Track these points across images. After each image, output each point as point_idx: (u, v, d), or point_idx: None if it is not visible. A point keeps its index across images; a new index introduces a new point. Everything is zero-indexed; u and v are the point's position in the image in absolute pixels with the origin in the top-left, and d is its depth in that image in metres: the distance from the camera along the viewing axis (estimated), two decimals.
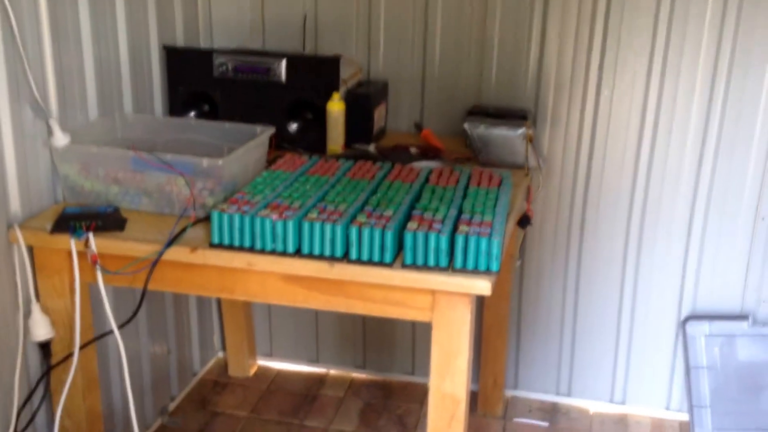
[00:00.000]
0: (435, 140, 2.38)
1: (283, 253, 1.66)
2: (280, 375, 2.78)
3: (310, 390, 2.70)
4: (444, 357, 1.66)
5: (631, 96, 2.36)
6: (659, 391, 2.56)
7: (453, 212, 1.71)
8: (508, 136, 2.16)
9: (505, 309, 2.52)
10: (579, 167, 2.46)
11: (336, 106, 2.20)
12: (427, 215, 1.69)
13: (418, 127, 2.51)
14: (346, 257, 1.65)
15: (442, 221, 1.66)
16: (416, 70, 2.51)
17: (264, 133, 1.98)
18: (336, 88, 2.23)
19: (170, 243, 1.69)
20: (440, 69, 2.49)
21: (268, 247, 1.67)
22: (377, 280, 1.63)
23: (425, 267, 1.61)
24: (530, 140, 2.16)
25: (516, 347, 2.65)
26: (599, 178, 2.45)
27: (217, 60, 2.29)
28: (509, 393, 2.66)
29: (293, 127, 2.31)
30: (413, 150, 2.27)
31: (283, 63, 2.26)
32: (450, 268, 1.61)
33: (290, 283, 1.70)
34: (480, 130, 2.17)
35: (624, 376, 2.58)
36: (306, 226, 1.64)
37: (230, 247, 1.69)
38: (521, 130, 2.15)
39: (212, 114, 2.34)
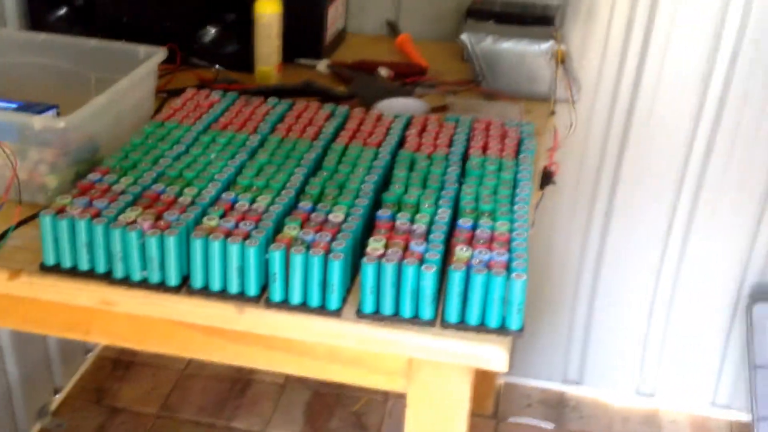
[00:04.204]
0: (415, 52, 1.67)
1: (162, 287, 1.00)
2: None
3: (239, 375, 2.08)
4: None
5: None
6: (702, 382, 1.98)
7: (444, 213, 1.04)
8: (527, 54, 1.45)
9: None
10: (619, 91, 1.76)
11: (268, 7, 1.47)
12: (402, 220, 1.02)
13: (393, 28, 1.79)
14: (263, 297, 0.99)
15: (426, 234, 1.00)
16: None
17: (150, 60, 1.26)
18: None
19: None
20: None
21: (136, 276, 1.00)
22: (314, 336, 0.99)
23: (396, 318, 0.97)
24: (562, 60, 1.46)
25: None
26: (648, 108, 1.76)
27: None
28: (502, 380, 2.07)
29: (208, 34, 1.58)
30: (383, 72, 1.56)
31: None
32: (438, 322, 0.97)
33: (180, 324, 1.05)
34: (486, 44, 1.46)
35: (656, 362, 1.99)
36: (198, 245, 0.97)
37: (74, 273, 1.02)
38: (547, 45, 1.45)
39: (86, 13, 1.60)
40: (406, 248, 0.97)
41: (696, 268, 1.88)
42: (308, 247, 0.96)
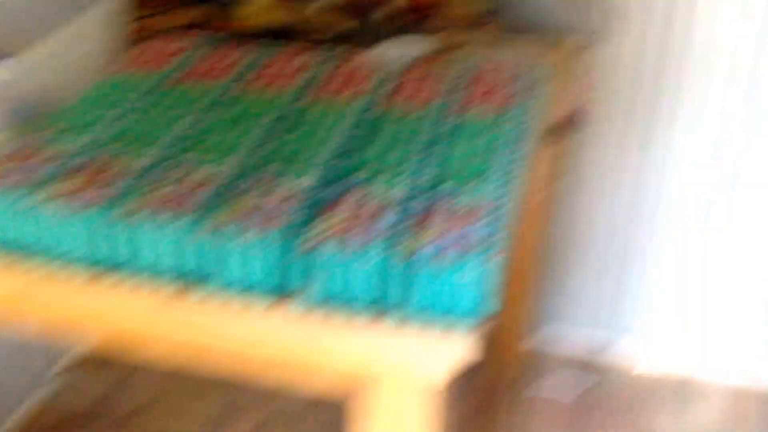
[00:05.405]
0: None
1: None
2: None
3: None
4: None
5: None
6: (745, 348, 1.77)
7: (424, 179, 0.87)
8: None
9: (535, 242, 1.60)
10: (653, 17, 1.52)
11: None
12: (375, 189, 0.86)
13: None
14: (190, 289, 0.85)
15: (383, 213, 0.83)
16: None
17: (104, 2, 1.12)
18: None
19: None
20: None
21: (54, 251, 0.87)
22: (252, 335, 0.84)
23: (346, 310, 0.81)
24: None
25: (552, 283, 1.84)
26: (685, 34, 1.53)
27: None
28: (535, 339, 1.86)
29: None
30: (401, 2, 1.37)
31: None
32: (395, 312, 0.81)
33: None
34: None
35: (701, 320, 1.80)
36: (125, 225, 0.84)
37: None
38: None
39: None
40: (359, 230, 0.81)
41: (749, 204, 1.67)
42: (245, 230, 0.81)
